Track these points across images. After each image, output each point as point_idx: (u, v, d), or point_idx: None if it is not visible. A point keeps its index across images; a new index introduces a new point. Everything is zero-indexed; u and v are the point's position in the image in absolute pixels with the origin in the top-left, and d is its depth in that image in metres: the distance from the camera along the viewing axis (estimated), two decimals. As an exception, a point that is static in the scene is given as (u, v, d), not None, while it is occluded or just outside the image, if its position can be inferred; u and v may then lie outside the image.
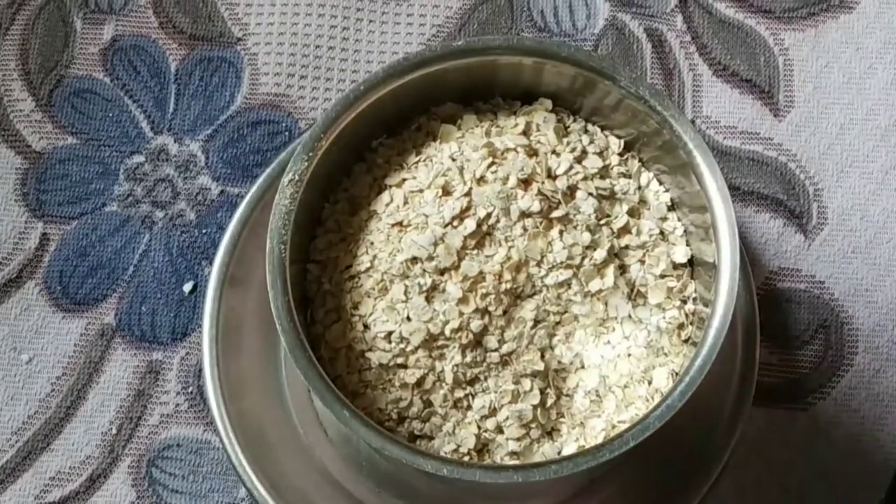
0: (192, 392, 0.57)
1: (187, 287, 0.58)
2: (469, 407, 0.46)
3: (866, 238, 0.59)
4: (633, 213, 0.48)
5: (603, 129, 0.49)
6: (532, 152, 0.47)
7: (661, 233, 0.48)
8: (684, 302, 0.47)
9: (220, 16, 0.62)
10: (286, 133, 0.60)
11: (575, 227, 0.46)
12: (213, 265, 0.54)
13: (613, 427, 0.46)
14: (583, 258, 0.46)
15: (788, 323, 0.58)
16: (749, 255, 0.57)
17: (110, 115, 0.60)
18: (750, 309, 0.54)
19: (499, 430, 0.46)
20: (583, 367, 0.47)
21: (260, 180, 0.54)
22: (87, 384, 0.57)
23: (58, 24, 0.61)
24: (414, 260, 0.45)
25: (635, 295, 0.47)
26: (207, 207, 0.59)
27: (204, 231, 0.59)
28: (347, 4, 0.62)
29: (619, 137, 0.49)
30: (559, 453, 0.46)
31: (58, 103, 0.60)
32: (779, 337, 0.58)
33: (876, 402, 0.57)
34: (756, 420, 0.56)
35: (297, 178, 0.45)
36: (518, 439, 0.46)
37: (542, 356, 0.46)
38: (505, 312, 0.46)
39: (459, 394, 0.46)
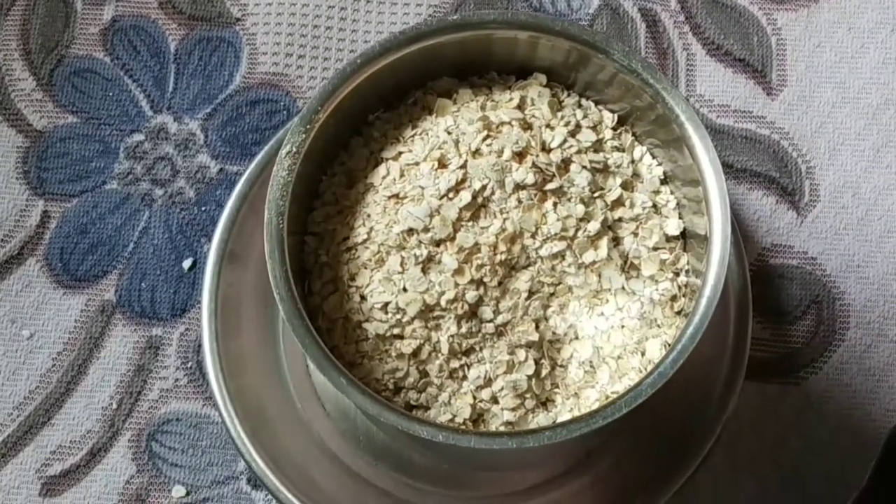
0: (191, 367, 0.57)
1: (187, 264, 0.59)
2: (465, 377, 0.47)
3: (858, 215, 0.59)
4: (626, 186, 0.48)
5: (597, 103, 0.50)
6: (526, 126, 0.48)
7: (654, 206, 0.49)
8: (677, 274, 0.48)
9: (219, -4, 0.62)
10: (284, 112, 0.61)
11: (569, 200, 0.47)
12: (212, 242, 0.54)
13: (607, 397, 0.47)
14: (577, 230, 0.47)
15: (781, 298, 0.58)
16: (742, 232, 0.57)
17: (110, 94, 0.61)
18: (742, 284, 0.54)
19: (494, 400, 0.46)
20: (577, 338, 0.47)
21: (258, 158, 0.55)
22: (87, 360, 0.57)
23: (58, 5, 0.62)
24: (410, 231, 0.46)
25: (628, 267, 0.48)
26: (206, 185, 0.60)
27: (203, 208, 0.59)
28: (345, -15, 0.62)
29: (612, 112, 0.50)
30: (554, 423, 0.47)
31: (58, 83, 0.61)
32: (771, 312, 0.58)
33: (867, 376, 0.57)
34: (748, 394, 0.57)
35: (294, 150, 0.46)
36: (513, 409, 0.46)
37: (537, 327, 0.47)
38: (500, 283, 0.46)
39: (455, 364, 0.46)
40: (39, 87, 0.61)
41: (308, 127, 0.46)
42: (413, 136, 0.48)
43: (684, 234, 0.49)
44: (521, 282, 0.46)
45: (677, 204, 0.49)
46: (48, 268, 0.58)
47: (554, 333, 0.47)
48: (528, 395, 0.47)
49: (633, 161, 0.49)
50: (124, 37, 0.62)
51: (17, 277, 0.58)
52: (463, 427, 0.46)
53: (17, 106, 0.60)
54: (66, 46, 0.61)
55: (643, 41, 0.61)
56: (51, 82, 0.61)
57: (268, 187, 0.46)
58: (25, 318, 0.58)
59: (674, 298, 0.48)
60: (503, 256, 0.46)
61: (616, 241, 0.48)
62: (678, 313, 0.48)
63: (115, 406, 0.57)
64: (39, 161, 0.60)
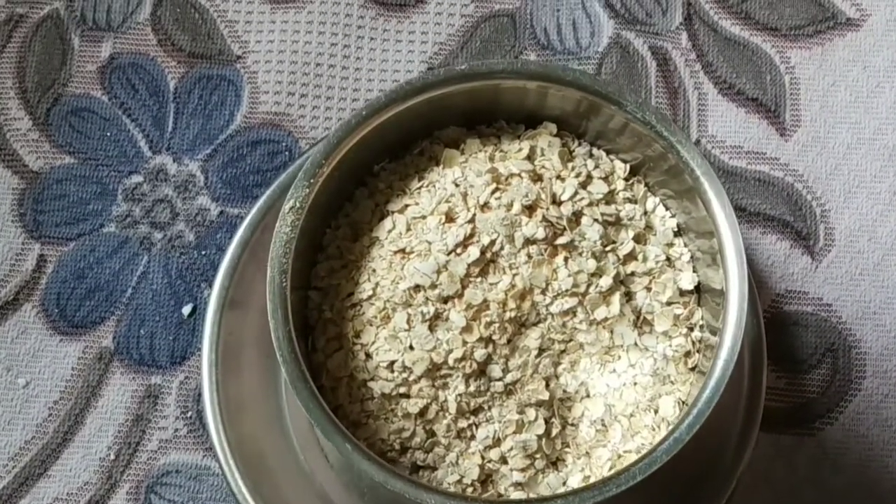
0: (191, 417, 0.56)
1: (186, 310, 0.57)
2: (473, 437, 0.45)
3: (874, 260, 0.58)
4: (638, 238, 0.47)
5: (608, 153, 0.49)
6: (536, 177, 0.47)
7: (668, 259, 0.47)
8: (691, 329, 0.47)
9: (220, 33, 0.61)
10: (286, 152, 0.59)
11: (580, 254, 0.46)
12: (212, 288, 0.53)
13: (619, 457, 0.46)
14: (588, 286, 0.45)
15: (795, 346, 0.57)
16: (755, 278, 0.56)
17: (108, 134, 0.60)
18: (756, 332, 0.53)
19: (503, 460, 0.45)
20: (588, 395, 0.46)
21: (260, 202, 0.54)
22: (84, 409, 0.56)
23: (55, 42, 0.61)
24: (417, 288, 0.45)
25: (641, 322, 0.47)
26: (207, 228, 0.58)
27: (203, 252, 0.58)
28: (348, 22, 0.61)
29: (624, 162, 0.48)
30: (564, 483, 0.46)
31: (55, 122, 0.60)
32: (786, 361, 0.57)
33: (884, 427, 0.56)
34: (763, 445, 0.55)
35: (298, 205, 0.45)
36: (522, 470, 0.45)
37: (547, 385, 0.46)
38: (509, 341, 0.45)
39: (463, 424, 0.45)
40: (36, 126, 0.60)
41: (312, 181, 0.45)
42: (420, 188, 0.47)
43: (698, 288, 0.47)
44: (531, 339, 0.45)
45: (691, 257, 0.48)
46: (44, 314, 0.57)
47: (564, 391, 0.46)
48: (538, 455, 0.45)
49: (645, 213, 0.48)
50: (122, 75, 0.60)
51: (12, 324, 0.57)
52: (471, 489, 0.45)
53: (12, 146, 0.59)
54: (62, 85, 0.60)
55: (653, 80, 0.60)
56: (47, 122, 0.60)
57: (270, 234, 0.45)
58: (21, 366, 0.57)
59: (688, 354, 0.47)
60: (513, 314, 0.45)
61: (628, 295, 0.47)
62: (692, 369, 0.47)
63: (112, 457, 0.56)
64: (36, 203, 0.59)
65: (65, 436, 0.56)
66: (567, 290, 0.45)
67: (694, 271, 0.47)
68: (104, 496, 0.55)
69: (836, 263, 0.58)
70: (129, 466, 0.56)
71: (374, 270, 0.46)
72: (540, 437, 0.45)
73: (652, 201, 0.48)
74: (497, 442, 0.45)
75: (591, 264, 0.45)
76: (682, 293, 0.47)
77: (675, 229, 0.48)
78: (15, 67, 0.60)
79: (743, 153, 0.59)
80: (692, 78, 0.60)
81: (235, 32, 0.61)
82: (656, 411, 0.46)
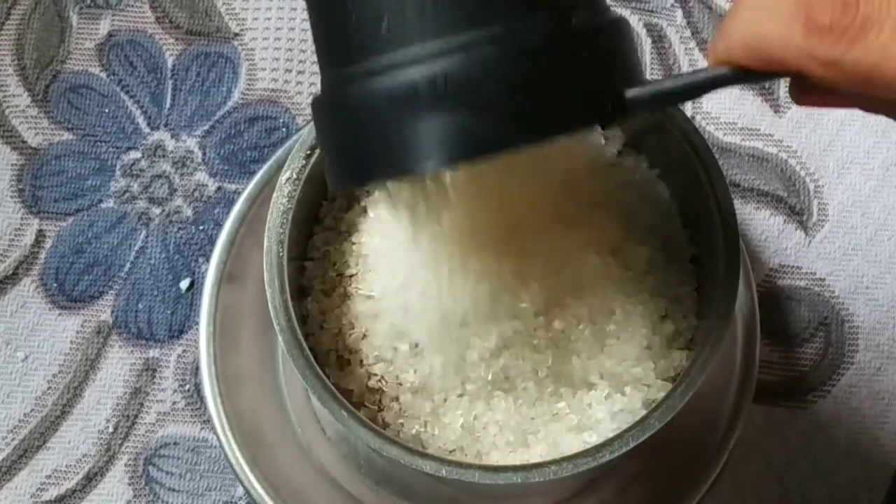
0: (189, 390, 0.56)
1: (184, 284, 0.58)
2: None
3: (867, 235, 0.59)
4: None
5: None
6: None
7: None
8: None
9: (217, 11, 0.61)
10: (283, 129, 0.60)
11: None
12: (210, 262, 0.53)
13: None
14: None
15: (789, 320, 0.57)
16: (749, 253, 0.57)
17: (106, 110, 0.60)
18: (750, 306, 0.53)
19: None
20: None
21: (257, 177, 0.54)
22: (83, 382, 0.56)
23: (54, 20, 0.61)
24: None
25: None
26: (204, 204, 0.59)
27: (201, 228, 0.58)
28: (345, -1, 0.61)
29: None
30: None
31: (54, 99, 0.60)
32: (779, 335, 0.57)
33: (876, 400, 0.56)
34: (756, 418, 0.56)
35: (294, 175, 0.45)
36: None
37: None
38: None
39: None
40: (34, 103, 0.60)
41: (308, 153, 0.45)
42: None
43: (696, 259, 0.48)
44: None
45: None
46: (43, 288, 0.57)
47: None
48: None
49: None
50: (121, 52, 0.61)
51: (11, 298, 0.57)
52: (466, 456, 0.46)
53: (11, 123, 0.59)
54: (61, 62, 0.60)
55: (649, 57, 0.60)
56: (46, 98, 0.60)
57: (267, 209, 0.45)
58: (20, 340, 0.57)
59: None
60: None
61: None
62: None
63: (111, 429, 0.56)
64: (34, 179, 0.59)
65: (63, 408, 0.56)
66: None
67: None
68: (102, 468, 0.56)
69: (829, 238, 0.59)
70: (127, 439, 0.56)
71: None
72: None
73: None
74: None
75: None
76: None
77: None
78: (14, 44, 0.61)
79: (737, 129, 0.60)
80: (687, 55, 0.61)
81: (233, 10, 0.61)
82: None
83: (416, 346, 0.45)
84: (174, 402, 0.56)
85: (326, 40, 0.36)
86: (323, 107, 0.36)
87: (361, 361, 0.46)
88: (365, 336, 0.46)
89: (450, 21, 0.33)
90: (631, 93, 0.34)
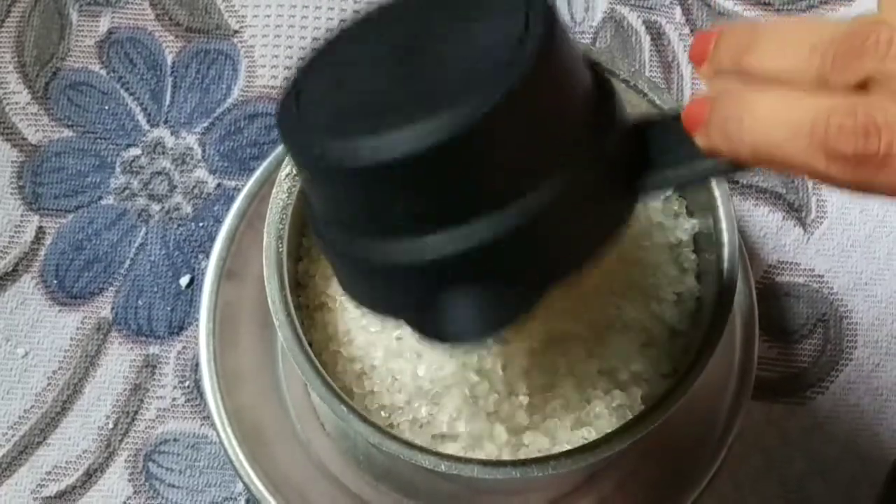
0: (188, 386, 0.57)
1: (184, 281, 0.58)
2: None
3: (865, 232, 0.59)
4: None
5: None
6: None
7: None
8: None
9: (217, 8, 0.61)
10: (283, 126, 0.60)
11: None
12: (209, 259, 0.53)
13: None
14: None
15: (787, 317, 0.57)
16: (748, 249, 0.57)
17: (106, 107, 0.60)
18: (749, 303, 0.54)
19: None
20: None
21: (257, 173, 0.54)
22: (83, 378, 0.57)
23: (54, 17, 0.61)
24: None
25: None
26: (204, 200, 0.59)
27: (200, 224, 0.58)
28: (345, -4, 0.61)
29: None
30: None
31: (54, 96, 0.60)
32: (777, 331, 0.57)
33: (875, 396, 0.57)
34: (754, 414, 0.56)
35: (293, 171, 0.45)
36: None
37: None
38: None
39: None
40: (34, 100, 0.60)
41: (308, 148, 0.45)
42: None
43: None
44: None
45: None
46: (43, 285, 0.58)
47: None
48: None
49: None
50: (120, 49, 0.61)
51: (11, 294, 0.57)
52: (464, 451, 0.46)
53: (11, 120, 0.60)
54: (61, 59, 0.61)
55: (647, 54, 0.61)
56: (46, 96, 0.60)
57: (267, 205, 0.45)
58: (20, 336, 0.57)
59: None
60: None
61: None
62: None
63: (111, 426, 0.56)
64: (34, 176, 0.59)
65: (63, 405, 0.56)
66: None
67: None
68: (102, 464, 0.56)
69: (827, 235, 0.59)
70: (127, 435, 0.56)
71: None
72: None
73: None
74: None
75: None
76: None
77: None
78: (14, 42, 0.61)
79: (736, 126, 0.60)
80: (686, 52, 0.61)
81: (232, 7, 0.61)
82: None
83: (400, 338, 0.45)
84: (174, 399, 0.56)
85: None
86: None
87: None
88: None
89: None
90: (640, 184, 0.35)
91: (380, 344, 0.45)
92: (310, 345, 0.44)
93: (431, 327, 0.34)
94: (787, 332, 0.57)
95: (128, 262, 0.58)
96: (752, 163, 0.32)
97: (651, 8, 0.61)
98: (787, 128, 0.30)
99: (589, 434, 0.45)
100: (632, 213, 0.35)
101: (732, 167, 0.33)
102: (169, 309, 0.57)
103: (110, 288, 0.58)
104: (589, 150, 0.33)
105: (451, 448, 0.45)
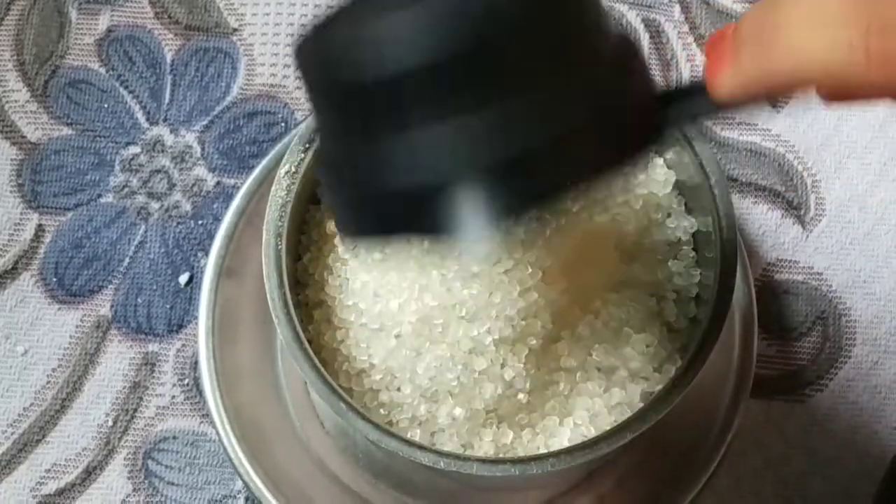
0: (188, 384, 0.57)
1: (183, 279, 0.58)
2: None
3: (864, 229, 0.59)
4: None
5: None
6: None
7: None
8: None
9: (216, 6, 0.61)
10: (282, 124, 0.60)
11: None
12: (209, 256, 0.53)
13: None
14: None
15: (786, 314, 0.57)
16: (747, 247, 0.57)
17: (106, 105, 0.60)
18: (747, 301, 0.54)
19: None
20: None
21: (256, 171, 0.54)
22: (82, 376, 0.57)
23: (53, 15, 0.61)
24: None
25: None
26: (203, 199, 0.59)
27: (200, 222, 0.58)
28: (344, -6, 0.61)
29: None
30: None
31: (53, 94, 0.60)
32: (776, 329, 0.57)
33: (873, 394, 0.57)
34: (753, 412, 0.56)
35: (293, 169, 0.45)
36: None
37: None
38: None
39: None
40: (34, 98, 0.60)
41: (307, 146, 0.45)
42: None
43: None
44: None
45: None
46: (43, 283, 0.58)
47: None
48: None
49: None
50: (120, 47, 0.61)
51: (11, 293, 0.57)
52: (463, 449, 0.46)
53: (10, 118, 0.60)
54: (60, 57, 0.61)
55: (646, 52, 0.61)
56: (45, 93, 0.60)
57: (266, 203, 0.45)
58: (20, 334, 0.57)
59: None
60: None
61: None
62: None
63: (110, 423, 0.56)
64: (34, 174, 0.59)
65: (63, 403, 0.56)
66: None
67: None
68: (102, 462, 0.56)
69: (826, 233, 0.59)
70: (126, 433, 0.56)
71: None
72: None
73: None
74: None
75: None
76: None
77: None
78: (13, 40, 0.61)
79: (734, 124, 0.60)
80: (685, 50, 0.61)
81: (232, 5, 0.61)
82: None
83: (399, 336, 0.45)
84: (173, 397, 0.56)
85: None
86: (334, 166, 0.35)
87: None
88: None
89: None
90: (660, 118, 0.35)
91: (379, 342, 0.45)
92: (309, 342, 0.44)
93: (441, 223, 0.32)
94: (785, 329, 0.57)
95: (127, 259, 0.58)
96: (784, 85, 0.30)
97: (650, 6, 0.61)
98: (827, 28, 0.28)
99: (588, 432, 0.45)
100: (646, 150, 0.35)
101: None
102: (168, 307, 0.58)
103: (109, 286, 0.58)
104: (620, 78, 0.34)
105: (449, 445, 0.45)
